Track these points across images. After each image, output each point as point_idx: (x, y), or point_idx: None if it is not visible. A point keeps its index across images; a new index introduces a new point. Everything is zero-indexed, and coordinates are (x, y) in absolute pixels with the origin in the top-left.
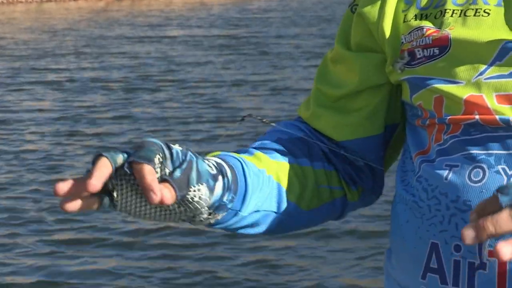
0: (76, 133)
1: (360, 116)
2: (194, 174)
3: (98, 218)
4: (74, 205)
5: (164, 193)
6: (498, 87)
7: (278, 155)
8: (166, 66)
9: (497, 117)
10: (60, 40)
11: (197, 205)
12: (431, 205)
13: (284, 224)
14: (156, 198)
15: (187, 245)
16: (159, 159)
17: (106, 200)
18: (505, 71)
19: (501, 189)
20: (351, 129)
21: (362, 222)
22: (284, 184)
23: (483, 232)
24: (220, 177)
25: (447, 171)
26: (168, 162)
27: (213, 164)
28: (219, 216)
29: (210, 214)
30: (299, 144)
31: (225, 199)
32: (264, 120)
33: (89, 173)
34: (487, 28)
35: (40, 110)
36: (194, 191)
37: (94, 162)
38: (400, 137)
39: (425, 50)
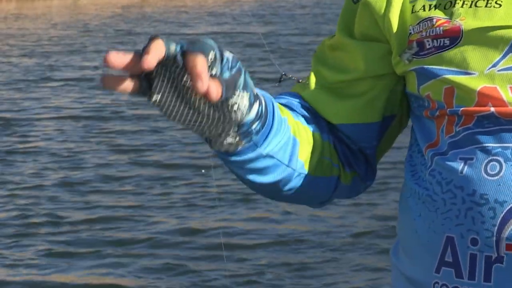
0: (104, 130)
1: (358, 102)
2: (241, 80)
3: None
4: (116, 83)
5: (212, 86)
6: None
7: (293, 113)
8: None
9: None
10: (94, 36)
11: (234, 115)
12: (446, 199)
13: (288, 182)
14: (203, 86)
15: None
16: (211, 58)
17: (145, 85)
18: None
19: None
20: (348, 114)
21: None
22: (299, 140)
23: None
24: (258, 101)
25: (461, 164)
26: (218, 64)
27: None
28: (241, 145)
29: (235, 138)
30: (308, 112)
31: (253, 127)
32: (300, 80)
33: (145, 50)
34: (499, 19)
35: (67, 108)
36: (238, 96)
37: (149, 42)
38: (395, 130)
39: (435, 41)
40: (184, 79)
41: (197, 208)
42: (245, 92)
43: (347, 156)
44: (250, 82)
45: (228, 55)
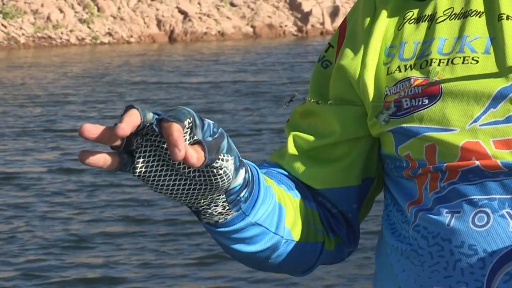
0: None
1: (337, 166)
2: (224, 144)
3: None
4: (95, 158)
5: (190, 152)
6: (495, 133)
7: (275, 180)
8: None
9: (498, 162)
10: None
11: (220, 180)
12: (433, 252)
13: (275, 250)
14: (179, 154)
15: None
16: (189, 123)
17: (127, 158)
18: (501, 116)
19: None
20: (327, 178)
21: None
22: (284, 207)
23: None
24: (244, 168)
25: (448, 217)
26: (199, 130)
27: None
28: (231, 214)
29: (224, 208)
30: (289, 179)
31: (242, 194)
32: (310, 99)
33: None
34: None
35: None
36: (222, 160)
37: (124, 112)
38: (374, 192)
39: (413, 100)
40: (165, 147)
41: None
42: (229, 156)
43: (330, 221)
44: (234, 148)
45: (209, 121)
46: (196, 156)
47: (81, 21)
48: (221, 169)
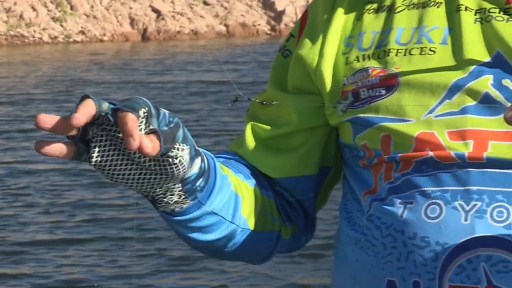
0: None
1: (294, 156)
2: (180, 133)
3: None
4: (51, 148)
5: (144, 141)
6: (450, 124)
7: (232, 170)
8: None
9: (452, 152)
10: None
11: (175, 169)
12: (386, 243)
13: (231, 238)
14: (134, 143)
15: None
16: (144, 112)
17: (82, 148)
18: (456, 107)
19: None
20: (284, 167)
21: None
22: (241, 196)
23: None
24: (200, 157)
25: (401, 208)
26: (154, 119)
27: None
28: (187, 203)
29: (180, 197)
30: (246, 168)
31: (198, 183)
32: (257, 100)
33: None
34: (434, 66)
35: None
36: (178, 149)
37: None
38: (332, 181)
39: (370, 90)
40: (121, 137)
41: None
42: (185, 145)
43: (286, 210)
44: (190, 137)
45: (165, 111)
46: (151, 145)
47: (54, 19)
48: (176, 158)
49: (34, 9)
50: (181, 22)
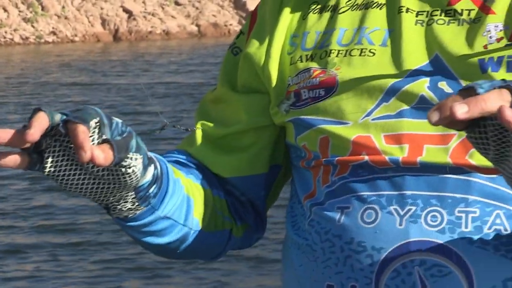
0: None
1: (244, 155)
2: (133, 143)
3: None
4: (5, 160)
5: (96, 152)
6: (386, 127)
7: (183, 171)
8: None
9: (386, 157)
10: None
11: (128, 179)
12: (325, 248)
13: (184, 241)
14: (85, 156)
15: None
16: (96, 122)
17: (36, 158)
18: (392, 111)
19: (474, 84)
20: (234, 166)
21: None
22: (193, 199)
23: (475, 106)
24: (153, 165)
25: (339, 213)
26: (107, 129)
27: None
28: (140, 210)
29: (134, 204)
30: (197, 168)
31: (151, 190)
32: (183, 128)
33: (28, 123)
34: (373, 68)
35: None
36: (131, 158)
37: (32, 116)
38: (282, 180)
39: (311, 91)
40: (73, 147)
41: None
42: (138, 154)
43: (237, 209)
44: (143, 146)
45: (118, 120)
46: (102, 156)
47: (25, 20)
48: (129, 168)
49: (5, 10)
50: (152, 22)
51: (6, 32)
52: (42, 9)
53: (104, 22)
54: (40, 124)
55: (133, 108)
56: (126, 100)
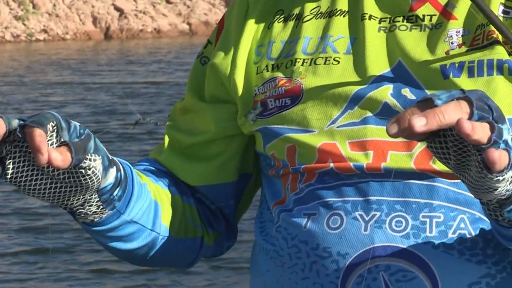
0: None
1: (212, 164)
2: (91, 144)
3: None
4: None
5: (53, 154)
6: (351, 134)
7: (153, 178)
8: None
9: (351, 164)
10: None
11: (89, 180)
12: (291, 254)
13: (153, 246)
14: (42, 158)
15: None
16: (52, 126)
17: None
18: (357, 118)
19: (432, 95)
20: (202, 175)
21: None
22: (160, 204)
23: (432, 119)
24: (115, 167)
25: (305, 219)
26: (65, 132)
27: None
28: (106, 213)
29: (99, 207)
30: (167, 176)
31: (115, 193)
32: (158, 123)
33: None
34: (338, 76)
35: None
36: (90, 160)
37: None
38: (252, 188)
39: (277, 101)
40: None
41: None
42: (97, 155)
43: (208, 217)
44: (102, 147)
45: (75, 123)
46: (60, 158)
47: (16, 18)
48: (89, 169)
49: None
50: (143, 20)
51: None
52: (33, 7)
53: (95, 20)
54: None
55: (118, 108)
56: (113, 99)
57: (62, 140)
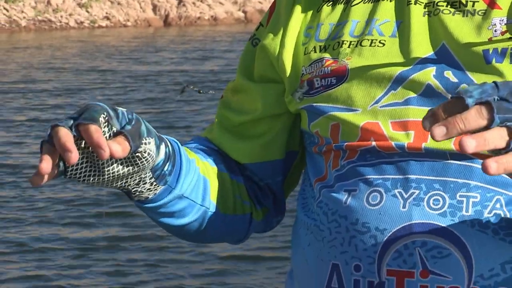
0: None
1: (260, 142)
2: (143, 128)
3: None
4: (44, 179)
5: (114, 147)
6: (393, 114)
7: (201, 155)
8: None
9: (393, 143)
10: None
11: (145, 161)
12: (331, 228)
13: (203, 222)
14: (105, 153)
15: None
16: (104, 117)
17: (62, 165)
18: (400, 98)
19: (464, 92)
20: (251, 153)
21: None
22: (209, 180)
23: (453, 128)
24: (163, 143)
25: (346, 195)
26: (115, 121)
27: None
28: (159, 189)
29: (152, 184)
30: (216, 153)
31: (165, 168)
32: (201, 91)
33: (61, 146)
34: (382, 58)
35: None
36: (145, 143)
37: (55, 133)
38: (299, 165)
39: (323, 80)
40: (87, 146)
41: None
42: (150, 138)
43: (256, 193)
44: (152, 128)
45: (122, 110)
46: (120, 148)
47: (80, 5)
48: (145, 152)
49: None
50: (201, 8)
51: (61, 17)
52: None
53: (155, 8)
54: (71, 143)
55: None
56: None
57: (114, 129)
